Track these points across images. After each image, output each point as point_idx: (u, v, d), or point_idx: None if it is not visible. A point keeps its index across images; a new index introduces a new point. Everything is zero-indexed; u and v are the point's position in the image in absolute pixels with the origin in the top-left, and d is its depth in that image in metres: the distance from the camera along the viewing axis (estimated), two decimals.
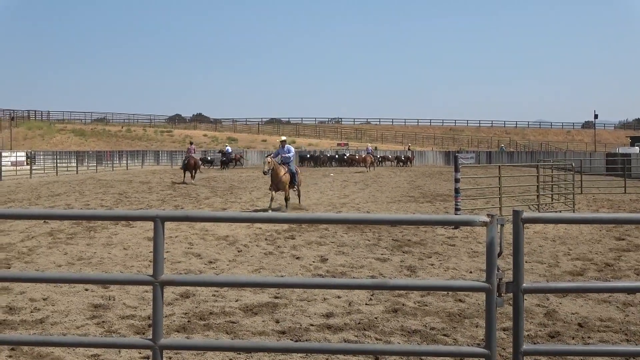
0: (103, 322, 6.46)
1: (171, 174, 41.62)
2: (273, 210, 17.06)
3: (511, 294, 3.98)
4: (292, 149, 18.82)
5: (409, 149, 67.92)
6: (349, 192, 24.95)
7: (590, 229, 13.32)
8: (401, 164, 60.26)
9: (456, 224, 4.90)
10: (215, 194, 24.01)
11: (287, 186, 17.75)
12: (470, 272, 9.05)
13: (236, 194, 23.92)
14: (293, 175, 18.00)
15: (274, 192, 17.53)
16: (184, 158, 32.63)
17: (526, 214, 3.85)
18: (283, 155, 18.33)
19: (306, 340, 5.99)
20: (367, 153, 48.82)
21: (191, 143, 34.09)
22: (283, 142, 18.64)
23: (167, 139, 79.85)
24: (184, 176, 31.57)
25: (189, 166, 30.84)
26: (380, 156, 61.14)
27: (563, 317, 6.71)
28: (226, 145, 57.07)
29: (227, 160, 52.43)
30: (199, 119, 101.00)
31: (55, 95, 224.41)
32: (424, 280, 8.30)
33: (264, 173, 17.27)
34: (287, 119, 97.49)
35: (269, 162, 17.35)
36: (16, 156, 44.35)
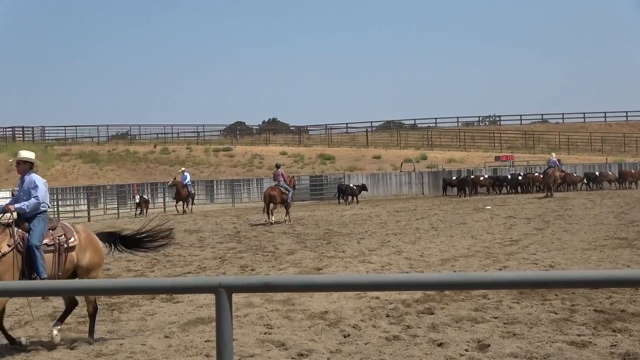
0: None
1: (233, 215, 28.57)
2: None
3: None
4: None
5: None
6: (519, 236, 17.12)
7: None
8: (618, 185, 38.82)
9: None
10: (303, 244, 16.81)
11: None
12: None
13: (336, 243, 16.57)
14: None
15: None
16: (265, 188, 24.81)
17: None
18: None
19: None
20: (551, 167, 32.93)
21: (278, 166, 24.69)
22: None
23: (225, 161, 52.62)
24: (267, 214, 22.80)
25: (268, 198, 22.68)
26: (594, 174, 38.98)
27: None
28: (183, 170, 32.63)
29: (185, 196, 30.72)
30: (272, 128, 69.76)
31: (52, 105, 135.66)
32: None
33: None
34: (413, 121, 66.13)
35: None
36: None
